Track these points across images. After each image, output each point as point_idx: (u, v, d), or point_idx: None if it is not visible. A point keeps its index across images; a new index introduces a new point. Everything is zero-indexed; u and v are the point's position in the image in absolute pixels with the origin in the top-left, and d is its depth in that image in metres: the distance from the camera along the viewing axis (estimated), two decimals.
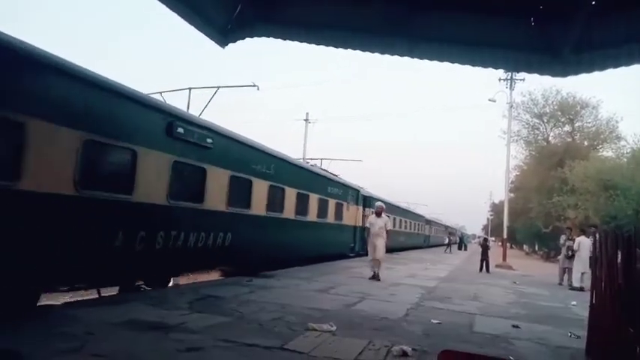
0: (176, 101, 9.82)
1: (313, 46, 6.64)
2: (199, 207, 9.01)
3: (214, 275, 11.78)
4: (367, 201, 22.60)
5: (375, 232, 12.73)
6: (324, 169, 18.97)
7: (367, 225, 13.34)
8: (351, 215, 20.26)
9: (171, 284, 9.53)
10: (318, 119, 68.00)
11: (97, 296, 7.25)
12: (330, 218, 17.41)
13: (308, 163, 22.49)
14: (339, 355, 4.70)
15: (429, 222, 48.61)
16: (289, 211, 13.40)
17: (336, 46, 6.66)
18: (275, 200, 12.45)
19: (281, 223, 12.91)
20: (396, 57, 6.57)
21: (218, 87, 13.72)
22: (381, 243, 12.62)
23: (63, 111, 6.09)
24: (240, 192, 10.61)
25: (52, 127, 5.90)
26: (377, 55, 6.68)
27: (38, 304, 6.26)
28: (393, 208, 29.61)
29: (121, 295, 6.99)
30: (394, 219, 29.59)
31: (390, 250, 31.32)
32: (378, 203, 13.69)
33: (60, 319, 5.24)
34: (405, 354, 4.86)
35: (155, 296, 7.10)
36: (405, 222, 33.95)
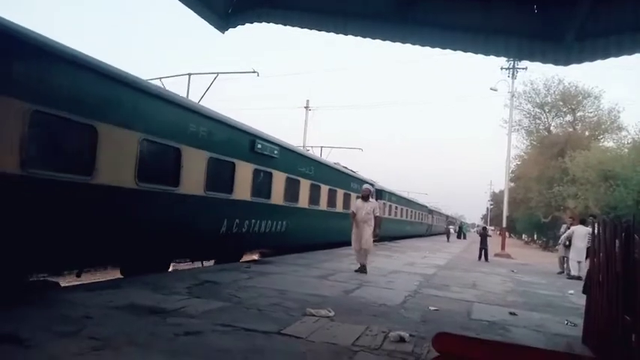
0: (175, 87, 9.76)
1: (315, 32, 6.59)
2: (268, 202, 12.30)
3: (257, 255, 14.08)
4: (380, 193, 26.06)
5: (361, 218, 10.85)
6: (346, 167, 21.15)
7: (352, 209, 11.19)
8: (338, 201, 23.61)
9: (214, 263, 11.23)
10: (319, 107, 67.85)
11: (96, 280, 7.28)
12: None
13: (308, 150, 22.49)
14: (337, 340, 4.72)
15: (431, 212, 52.56)
16: (324, 204, 16.65)
17: (338, 32, 6.61)
18: (314, 196, 15.65)
19: (318, 213, 16.11)
20: (399, 45, 6.53)
21: (217, 73, 13.63)
22: (368, 231, 10.82)
23: (197, 139, 8.99)
24: (292, 190, 13.83)
25: (201, 153, 9.19)
26: (380, 42, 6.63)
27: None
28: (399, 199, 34.01)
29: (121, 279, 7.01)
30: (402, 209, 34.41)
31: (396, 237, 32.57)
32: (365, 185, 11.63)
33: (58, 303, 5.26)
34: (402, 339, 4.88)
35: (154, 281, 7.12)
36: (411, 212, 37.93)
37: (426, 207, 49.62)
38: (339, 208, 18.46)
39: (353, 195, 19.86)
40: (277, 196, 12.71)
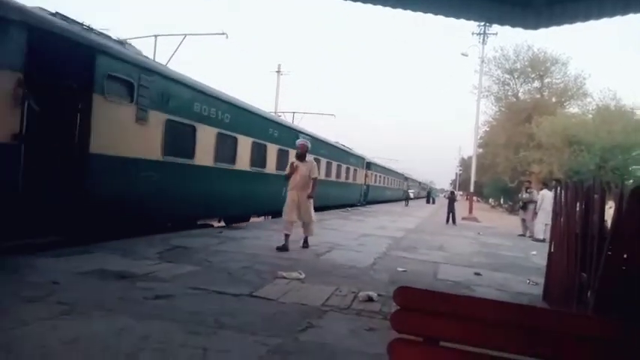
0: (141, 49, 9.36)
1: None
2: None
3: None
4: (369, 166, 32.14)
5: (297, 182, 8.47)
6: (344, 145, 25.70)
7: (287, 171, 8.64)
8: (360, 176, 29.24)
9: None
10: (290, 72, 66.86)
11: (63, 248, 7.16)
12: (350, 179, 26.46)
13: (280, 116, 22.38)
14: (307, 301, 4.82)
15: (406, 179, 57.76)
16: (335, 177, 22.67)
17: None
18: (331, 170, 21.73)
19: (333, 184, 22.12)
20: (371, 9, 6.45)
21: (185, 35, 13.23)
22: (306, 202, 8.53)
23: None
24: (324, 169, 19.93)
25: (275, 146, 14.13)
26: (352, 5, 6.52)
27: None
28: (386, 171, 41.83)
29: (89, 246, 6.91)
30: (386, 178, 41.62)
31: (379, 201, 34.72)
32: (300, 140, 9.06)
33: (26, 269, 5.17)
34: (370, 299, 5.02)
35: (124, 247, 7.06)
36: (391, 180, 45.26)
37: (403, 175, 54.47)
38: (343, 179, 24.56)
39: (351, 168, 25.97)
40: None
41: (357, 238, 11.14)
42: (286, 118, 21.54)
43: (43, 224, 6.46)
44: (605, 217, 4.76)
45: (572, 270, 5.19)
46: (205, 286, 5.06)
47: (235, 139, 11.83)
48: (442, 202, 44.19)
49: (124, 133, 7.90)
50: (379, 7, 6.32)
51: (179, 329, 3.67)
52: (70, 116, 7.03)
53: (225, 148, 11.36)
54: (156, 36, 13.65)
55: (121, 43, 8.68)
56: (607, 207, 4.83)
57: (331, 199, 21.18)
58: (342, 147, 24.95)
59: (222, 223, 12.35)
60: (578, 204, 5.34)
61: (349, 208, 24.06)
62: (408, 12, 6.52)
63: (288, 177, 8.54)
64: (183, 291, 4.83)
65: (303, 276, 5.93)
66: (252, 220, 14.03)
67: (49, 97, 6.46)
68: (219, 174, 11.14)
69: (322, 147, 19.88)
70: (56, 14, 7.14)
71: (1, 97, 5.76)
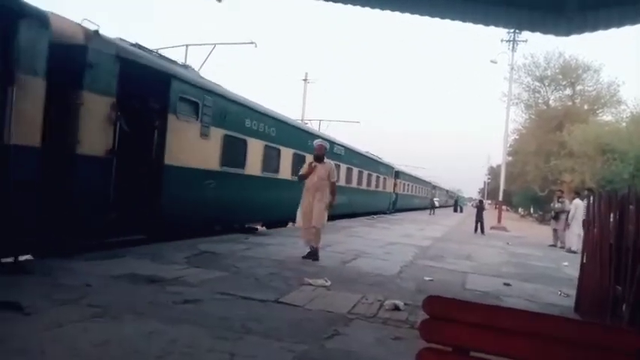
0: (173, 57, 9.61)
1: (314, 3, 6.49)
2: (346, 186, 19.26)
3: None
4: (397, 174, 33.28)
5: (313, 184, 7.96)
6: (373, 154, 27.05)
7: (302, 171, 8.29)
8: (389, 185, 30.76)
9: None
10: (318, 80, 67.30)
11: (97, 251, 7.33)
12: (380, 188, 27.86)
13: (307, 124, 22.61)
14: (333, 308, 4.81)
15: (434, 187, 59.11)
16: (366, 185, 24.13)
17: (336, 1, 6.51)
18: (362, 179, 23.14)
19: (364, 192, 23.68)
20: (399, 17, 6.45)
21: (215, 44, 13.47)
22: (320, 204, 7.94)
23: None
24: (357, 177, 22.08)
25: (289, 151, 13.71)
26: (380, 13, 6.55)
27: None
28: (414, 179, 43.52)
29: (120, 249, 7.07)
30: (414, 187, 43.07)
31: (407, 209, 35.69)
32: (318, 141, 8.48)
33: (58, 271, 5.31)
34: (397, 308, 4.98)
35: (153, 252, 7.19)
36: (419, 188, 46.45)
37: (430, 183, 55.37)
38: (374, 187, 26.00)
39: (381, 177, 27.70)
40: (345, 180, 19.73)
41: (383, 246, 11.07)
42: (313, 126, 21.66)
43: (130, 224, 7.70)
44: None
45: (605, 282, 5.05)
46: (233, 292, 5.10)
47: (279, 151, 13.07)
48: (470, 211, 43.54)
49: (190, 146, 9.09)
50: (407, 15, 6.32)
51: (206, 334, 3.72)
52: (149, 133, 8.29)
53: (271, 158, 12.55)
54: (187, 45, 13.95)
55: (185, 67, 10.04)
56: None
57: (362, 207, 22.83)
58: (372, 156, 26.23)
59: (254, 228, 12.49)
60: (612, 214, 5.21)
61: (374, 216, 23.95)
62: (437, 20, 6.50)
63: (303, 177, 8.07)
64: (210, 296, 4.89)
65: (329, 283, 5.92)
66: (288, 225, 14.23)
67: (134, 117, 7.68)
68: (265, 182, 12.27)
69: (354, 157, 21.50)
70: (136, 45, 8.31)
71: (101, 119, 6.82)
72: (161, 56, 9.02)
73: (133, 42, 8.27)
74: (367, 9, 6.56)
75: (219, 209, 10.19)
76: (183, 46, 13.98)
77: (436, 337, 1.61)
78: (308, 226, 7.95)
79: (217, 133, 9.88)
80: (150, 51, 8.71)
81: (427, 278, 7.16)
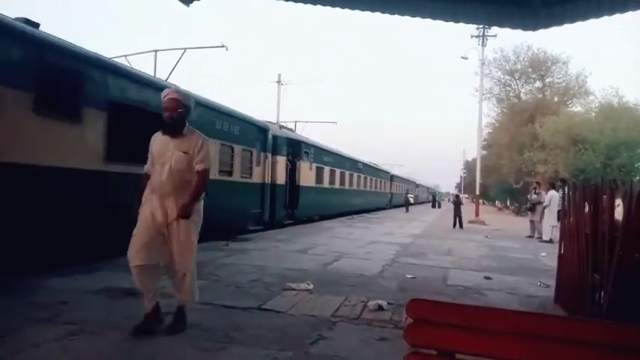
0: (141, 65, 9.44)
1: (283, 3, 6.43)
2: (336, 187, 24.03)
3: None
4: (392, 178, 42.24)
5: (161, 180, 3.93)
6: (376, 164, 36.12)
7: (145, 168, 4.14)
8: (387, 186, 39.95)
9: None
10: (290, 82, 67.11)
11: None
12: (380, 189, 36.66)
13: (283, 126, 22.70)
14: (317, 312, 4.77)
15: (417, 186, 65.50)
16: (374, 188, 33.55)
17: (306, 2, 6.46)
18: (371, 183, 32.28)
19: (372, 193, 33.19)
20: (368, 15, 6.43)
21: (185, 49, 13.31)
22: (183, 226, 3.93)
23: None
24: (370, 183, 32.23)
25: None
26: (349, 13, 6.52)
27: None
28: (404, 180, 51.70)
29: (94, 264, 6.88)
30: (404, 187, 48.88)
31: (400, 205, 39.18)
32: (167, 91, 4.06)
33: (32, 289, 5.14)
34: (380, 308, 4.96)
35: (127, 263, 7.01)
36: (408, 187, 50.99)
37: (414, 182, 59.12)
38: (363, 187, 30.64)
39: (373, 179, 34.53)
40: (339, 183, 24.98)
41: (364, 245, 11.08)
42: (291, 127, 21.77)
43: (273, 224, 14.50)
44: (615, 216, 4.71)
45: (583, 271, 5.13)
46: (214, 301, 5.01)
47: (342, 172, 24.46)
48: (448, 207, 44.04)
49: (305, 174, 17.92)
50: (378, 14, 6.32)
51: (188, 345, 3.63)
52: (295, 170, 16.82)
53: (334, 177, 22.87)
54: (156, 51, 13.75)
55: (291, 130, 20.27)
56: (615, 205, 4.78)
57: (370, 204, 31.66)
58: (375, 165, 35.33)
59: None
60: (586, 204, 5.29)
61: (354, 216, 24.03)
62: (406, 17, 6.51)
63: (147, 176, 4.07)
64: (191, 306, 4.78)
65: (311, 287, 5.88)
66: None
67: (293, 165, 16.76)
68: (332, 191, 22.42)
69: (366, 168, 30.60)
70: (285, 127, 18.28)
71: (283, 166, 15.62)
72: (292, 130, 19.65)
73: (281, 123, 18.19)
74: (337, 9, 6.54)
75: (315, 210, 19.37)
76: (151, 52, 13.78)
77: (422, 341, 1.58)
78: (146, 263, 3.86)
79: (314, 165, 19.14)
80: (290, 129, 19.52)
81: (409, 276, 7.17)
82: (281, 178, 15.30)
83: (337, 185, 23.41)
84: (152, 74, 10.95)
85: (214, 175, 10.26)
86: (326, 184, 21.23)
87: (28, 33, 6.27)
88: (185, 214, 3.86)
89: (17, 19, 6.40)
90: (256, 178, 13.36)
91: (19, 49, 6.07)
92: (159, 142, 4.02)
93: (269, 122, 16.17)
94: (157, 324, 3.92)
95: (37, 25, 6.59)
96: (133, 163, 6.16)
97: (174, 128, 3.96)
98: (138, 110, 7.83)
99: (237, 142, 11.96)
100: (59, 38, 6.87)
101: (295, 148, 16.82)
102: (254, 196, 13.22)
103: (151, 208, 3.91)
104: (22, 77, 5.96)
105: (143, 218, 3.91)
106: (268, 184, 14.24)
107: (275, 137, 15.02)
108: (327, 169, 21.19)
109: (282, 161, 15.40)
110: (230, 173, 11.65)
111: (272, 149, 14.71)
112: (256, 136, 13.43)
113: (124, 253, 3.93)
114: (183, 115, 3.99)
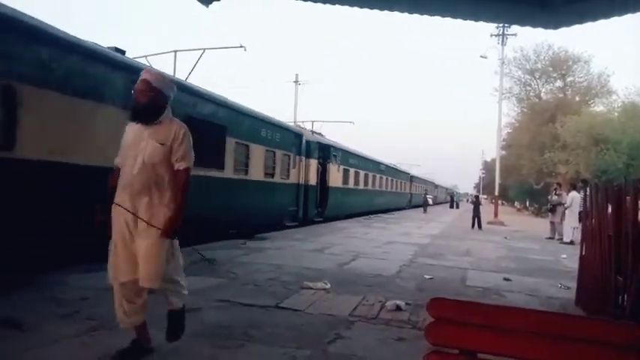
0: (161, 65, 9.60)
1: (303, 3, 6.44)
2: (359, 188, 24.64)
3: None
4: (412, 179, 44.27)
5: (130, 177, 3.27)
6: (396, 165, 37.73)
7: (115, 161, 3.45)
8: (407, 187, 41.15)
9: None
10: (308, 81, 67.24)
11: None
12: (400, 190, 37.79)
13: (299, 126, 22.73)
14: (334, 311, 4.77)
15: (437, 187, 66.57)
16: (394, 189, 34.88)
17: (325, 2, 6.47)
18: (392, 184, 33.65)
19: (393, 193, 34.26)
20: (387, 15, 6.41)
21: (204, 49, 13.40)
22: (148, 234, 3.25)
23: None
24: (392, 184, 33.97)
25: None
26: (368, 12, 6.51)
27: None
28: (423, 181, 52.13)
29: None
30: (423, 187, 49.18)
31: (419, 205, 40.68)
32: (147, 75, 3.39)
33: (54, 285, 5.24)
34: (398, 308, 4.94)
35: None
36: (427, 188, 51.19)
37: (433, 183, 59.67)
38: (389, 188, 33.24)
39: (395, 180, 36.15)
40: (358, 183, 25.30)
41: (381, 245, 11.04)
42: (306, 127, 21.78)
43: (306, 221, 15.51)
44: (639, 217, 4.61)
45: (606, 273, 5.03)
46: (232, 299, 5.05)
47: (358, 172, 23.81)
48: (466, 207, 43.63)
49: (334, 175, 18.85)
50: (396, 13, 6.29)
51: (207, 343, 3.66)
52: (325, 172, 17.94)
53: (359, 178, 23.81)
54: (175, 51, 13.88)
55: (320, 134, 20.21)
56: (639, 206, 4.68)
57: (391, 204, 32.75)
58: (395, 166, 36.61)
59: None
60: (609, 205, 5.19)
61: (371, 216, 23.95)
62: (425, 17, 6.47)
63: (114, 178, 3.42)
64: (209, 304, 4.83)
65: (328, 286, 5.88)
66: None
67: (323, 167, 17.94)
68: (357, 191, 23.38)
69: (387, 170, 31.70)
70: (316, 133, 19.22)
71: (315, 169, 16.90)
72: (321, 134, 19.68)
73: (306, 126, 19.34)
74: (356, 9, 6.53)
75: (341, 208, 20.01)
76: (171, 52, 13.94)
77: (442, 340, 1.57)
78: (125, 280, 3.47)
79: (341, 167, 20.00)
80: (320, 133, 19.65)
81: (427, 276, 7.12)
82: (313, 179, 16.91)
83: (361, 186, 24.56)
84: (172, 74, 11.04)
85: (261, 177, 12.42)
86: (351, 184, 22.39)
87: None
88: (172, 231, 3.24)
89: (110, 48, 7.60)
90: (293, 179, 14.90)
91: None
92: (132, 131, 3.37)
93: (300, 127, 18.70)
94: (144, 352, 3.41)
95: (123, 52, 7.78)
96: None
97: (144, 114, 3.32)
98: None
99: (278, 147, 13.45)
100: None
101: (325, 152, 18.33)
102: (291, 195, 14.64)
103: (124, 216, 3.27)
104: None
105: (118, 231, 3.30)
106: (302, 185, 15.82)
107: (308, 142, 16.49)
108: (352, 171, 22.30)
109: (314, 164, 16.98)
110: (272, 175, 13.23)
111: (305, 153, 16.20)
112: (293, 141, 14.97)
113: None
114: (154, 100, 3.31)
